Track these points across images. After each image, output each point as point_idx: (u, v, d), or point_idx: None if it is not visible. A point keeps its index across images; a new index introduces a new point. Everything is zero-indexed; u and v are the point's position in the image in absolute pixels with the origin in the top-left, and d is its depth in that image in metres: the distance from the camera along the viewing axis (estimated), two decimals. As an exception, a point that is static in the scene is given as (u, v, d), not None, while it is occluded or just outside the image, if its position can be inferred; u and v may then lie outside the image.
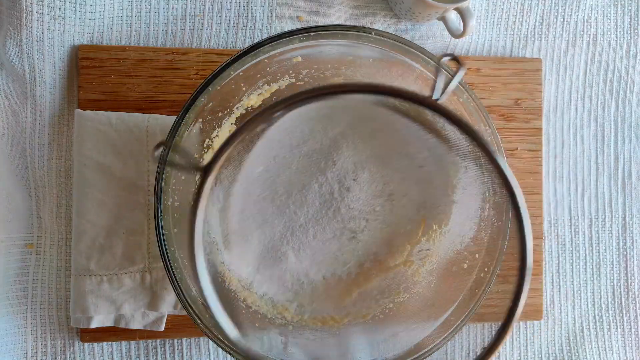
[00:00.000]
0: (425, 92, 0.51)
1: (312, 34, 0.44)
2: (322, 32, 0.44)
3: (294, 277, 0.54)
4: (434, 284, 0.52)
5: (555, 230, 0.63)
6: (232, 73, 0.44)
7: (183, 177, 0.46)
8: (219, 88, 0.44)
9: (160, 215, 0.44)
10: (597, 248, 0.64)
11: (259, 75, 0.47)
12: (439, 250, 0.53)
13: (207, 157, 0.50)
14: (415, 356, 0.46)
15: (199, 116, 0.45)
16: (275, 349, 0.47)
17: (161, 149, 0.35)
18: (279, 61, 0.46)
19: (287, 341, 0.49)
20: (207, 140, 0.49)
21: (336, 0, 0.58)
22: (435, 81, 0.39)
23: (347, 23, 0.59)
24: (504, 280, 0.50)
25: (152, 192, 0.53)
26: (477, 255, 0.49)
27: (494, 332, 0.61)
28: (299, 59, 0.47)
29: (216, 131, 0.49)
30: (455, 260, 0.51)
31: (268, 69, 0.47)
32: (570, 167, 0.64)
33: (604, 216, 0.64)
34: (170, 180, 0.44)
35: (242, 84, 0.47)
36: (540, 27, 0.63)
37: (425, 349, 0.47)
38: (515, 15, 0.62)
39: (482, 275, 0.48)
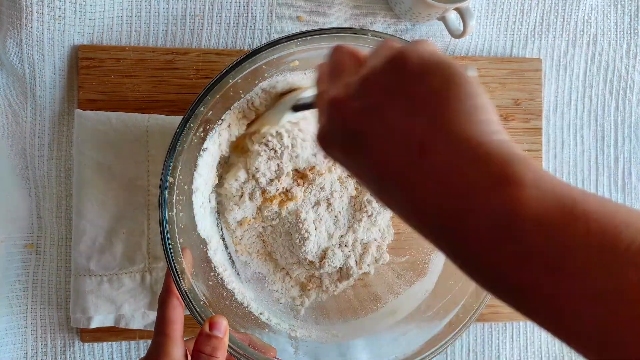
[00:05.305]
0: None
1: (308, 37, 0.44)
2: (318, 36, 0.44)
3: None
4: (440, 286, 0.53)
5: (555, 230, 0.63)
6: (230, 81, 0.44)
7: (186, 187, 0.46)
8: (218, 96, 0.44)
9: (166, 227, 0.43)
10: (597, 248, 0.64)
11: (257, 81, 0.47)
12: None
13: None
14: (421, 357, 0.46)
15: (199, 125, 0.44)
16: (285, 353, 0.47)
17: None
18: (277, 66, 0.46)
19: (298, 345, 0.50)
20: None
21: (336, 1, 0.58)
22: None
23: (347, 23, 0.59)
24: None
25: (152, 193, 0.53)
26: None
27: (493, 332, 0.61)
28: (297, 63, 0.47)
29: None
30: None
31: (266, 74, 0.47)
32: (570, 167, 0.64)
33: (603, 216, 0.64)
34: (173, 190, 0.43)
35: (240, 91, 0.47)
36: (540, 27, 0.63)
37: (430, 350, 0.47)
38: (515, 15, 0.62)
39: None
